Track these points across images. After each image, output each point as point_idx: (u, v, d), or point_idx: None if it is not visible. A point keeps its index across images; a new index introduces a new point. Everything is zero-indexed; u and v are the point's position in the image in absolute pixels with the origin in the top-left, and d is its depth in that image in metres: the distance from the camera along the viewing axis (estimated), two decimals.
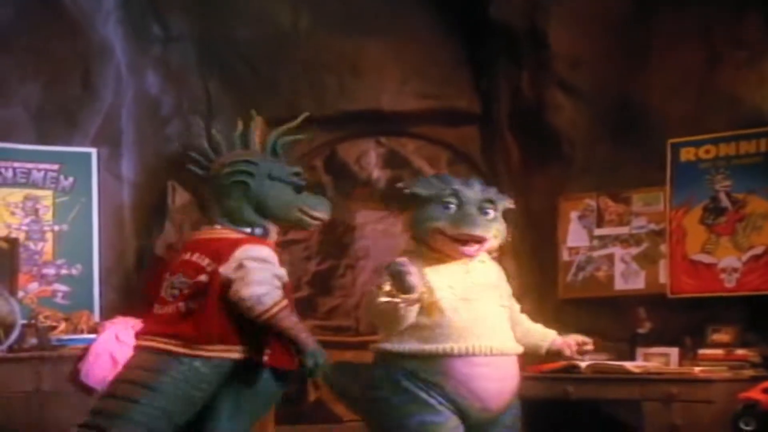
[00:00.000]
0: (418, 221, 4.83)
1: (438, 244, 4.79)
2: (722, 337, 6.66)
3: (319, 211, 5.09)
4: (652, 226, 7.26)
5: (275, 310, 4.65)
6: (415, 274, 4.48)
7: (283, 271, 4.85)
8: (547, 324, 5.18)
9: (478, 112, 8.19)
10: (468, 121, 8.24)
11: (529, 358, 5.22)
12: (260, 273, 4.68)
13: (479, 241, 4.78)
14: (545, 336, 5.07)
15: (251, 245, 4.79)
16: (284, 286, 4.82)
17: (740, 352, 6.47)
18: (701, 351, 6.62)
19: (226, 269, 4.71)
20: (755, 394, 5.86)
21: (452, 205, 4.78)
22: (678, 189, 7.10)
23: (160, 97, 8.15)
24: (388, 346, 4.76)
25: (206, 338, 4.69)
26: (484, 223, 4.78)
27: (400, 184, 5.04)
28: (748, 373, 6.34)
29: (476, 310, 4.74)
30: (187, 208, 8.06)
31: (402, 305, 4.52)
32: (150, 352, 4.79)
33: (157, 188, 8.05)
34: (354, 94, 8.15)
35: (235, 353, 4.72)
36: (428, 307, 4.66)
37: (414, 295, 4.51)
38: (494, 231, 4.84)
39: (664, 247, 7.14)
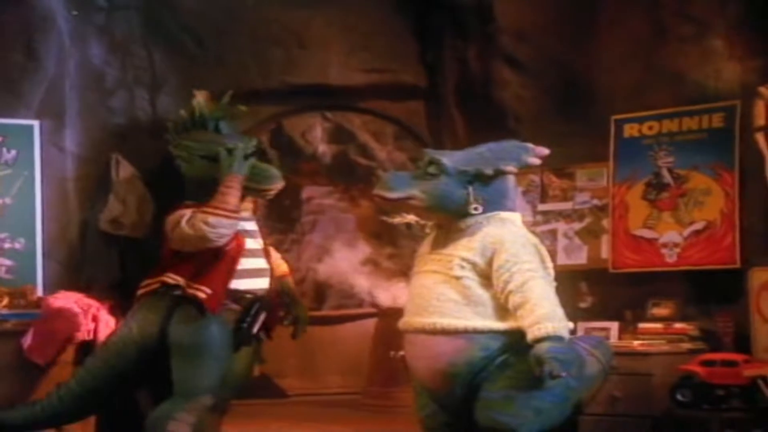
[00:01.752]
0: None
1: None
2: (662, 311, 6.75)
3: (265, 184, 5.20)
4: (595, 202, 7.30)
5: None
6: None
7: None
8: None
9: (425, 86, 8.20)
10: (414, 96, 8.25)
11: None
12: (206, 217, 4.94)
13: (384, 199, 4.78)
14: (527, 333, 4.49)
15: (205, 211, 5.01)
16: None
17: (679, 325, 6.57)
18: (641, 325, 6.70)
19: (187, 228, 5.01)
20: (693, 366, 5.94)
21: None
22: (621, 165, 7.15)
23: (104, 68, 8.07)
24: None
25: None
26: (395, 183, 4.75)
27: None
28: (687, 346, 6.44)
29: (413, 285, 4.73)
30: (131, 181, 8.01)
31: None
32: None
33: (101, 161, 7.99)
34: (300, 67, 8.12)
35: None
36: None
37: None
38: (417, 191, 4.69)
39: (606, 223, 7.19)
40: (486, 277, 4.57)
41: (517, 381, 4.47)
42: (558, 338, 4.37)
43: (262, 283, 5.11)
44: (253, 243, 5.15)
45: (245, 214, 5.16)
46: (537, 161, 4.78)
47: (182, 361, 4.87)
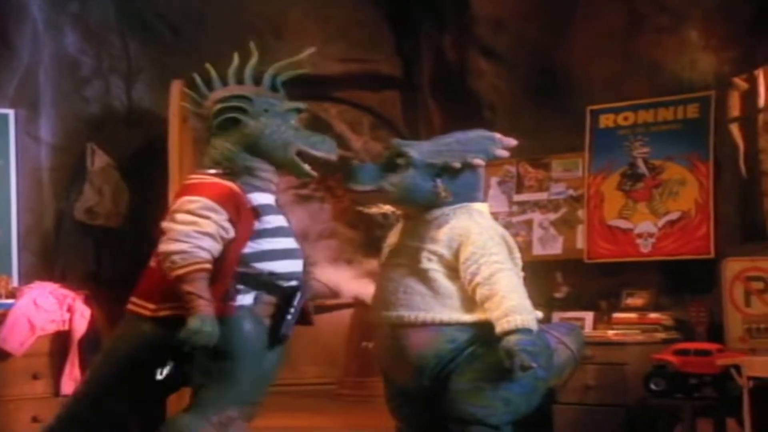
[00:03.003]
0: None
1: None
2: (636, 301, 6.78)
3: (322, 150, 4.52)
4: (571, 192, 7.32)
5: (182, 271, 4.15)
6: None
7: (223, 224, 4.25)
8: None
9: (401, 75, 8.19)
10: (390, 86, 8.25)
11: None
12: (184, 228, 4.21)
13: (351, 190, 4.81)
14: (496, 326, 4.45)
15: (189, 196, 4.32)
16: (230, 242, 4.27)
17: (653, 315, 6.60)
18: (616, 315, 6.73)
19: (164, 222, 4.32)
20: (666, 355, 5.97)
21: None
22: (597, 155, 7.17)
23: (79, 56, 8.03)
24: None
25: (148, 295, 4.36)
26: (362, 174, 4.73)
27: None
28: (661, 335, 6.47)
29: (381, 277, 4.71)
30: (107, 170, 7.98)
31: None
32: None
33: (76, 150, 7.96)
34: (276, 56, 8.08)
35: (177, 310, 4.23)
36: None
37: None
38: (385, 183, 4.65)
39: (581, 213, 7.21)
40: (453, 269, 4.55)
41: (486, 372, 4.47)
42: (527, 330, 4.36)
43: (296, 266, 4.47)
44: (282, 220, 4.50)
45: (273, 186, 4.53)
46: (505, 153, 4.77)
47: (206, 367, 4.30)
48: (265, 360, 4.38)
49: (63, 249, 7.90)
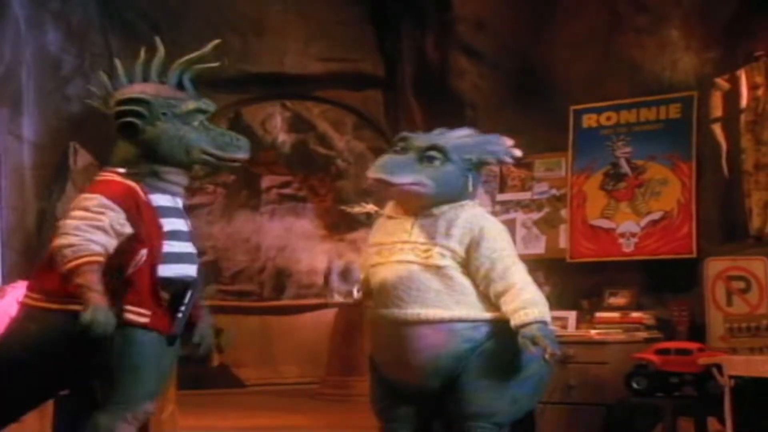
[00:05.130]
0: None
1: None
2: (618, 300, 6.79)
3: (229, 151, 4.33)
4: (554, 192, 7.33)
5: (73, 264, 4.05)
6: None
7: (119, 221, 4.15)
8: None
9: (383, 75, 8.20)
10: (372, 85, 8.25)
11: None
12: (75, 222, 4.11)
13: (389, 184, 4.53)
14: (512, 318, 4.45)
15: (88, 194, 4.22)
16: (130, 238, 4.16)
17: (635, 314, 6.60)
18: (598, 314, 6.73)
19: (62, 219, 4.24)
20: (648, 354, 5.98)
21: (399, 152, 4.63)
22: (579, 155, 7.18)
23: (61, 55, 8.02)
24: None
25: (40, 290, 4.27)
26: (399, 167, 4.52)
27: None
28: (642, 335, 6.47)
29: (383, 276, 4.55)
30: (89, 169, 7.96)
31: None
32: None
33: (59, 149, 7.95)
34: (257, 55, 8.10)
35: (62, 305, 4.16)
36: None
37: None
38: (425, 177, 4.51)
39: (564, 213, 7.22)
40: (465, 266, 4.51)
41: (496, 371, 4.45)
42: (544, 323, 4.37)
43: (188, 270, 4.37)
44: (182, 223, 4.37)
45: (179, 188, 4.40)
46: (511, 161, 4.83)
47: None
48: (167, 355, 4.33)
49: (46, 248, 7.86)
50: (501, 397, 4.45)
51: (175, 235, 4.29)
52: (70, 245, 4.07)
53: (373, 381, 4.79)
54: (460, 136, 4.68)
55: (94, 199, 4.16)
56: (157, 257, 4.21)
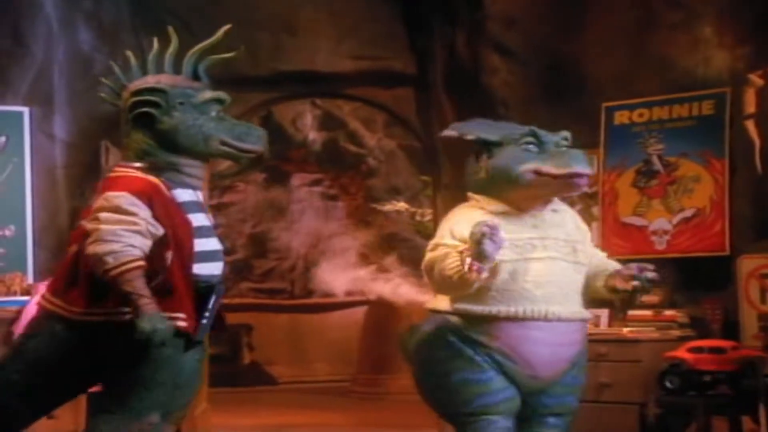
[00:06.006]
0: (497, 168, 4.38)
1: (535, 188, 4.36)
2: (651, 298, 6.74)
3: (247, 143, 4.20)
4: (585, 189, 7.28)
5: (116, 271, 3.89)
6: (498, 242, 4.08)
7: (151, 220, 3.99)
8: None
9: (414, 72, 8.19)
10: (403, 82, 8.24)
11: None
12: (111, 227, 3.93)
13: (584, 176, 4.42)
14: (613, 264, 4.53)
15: (112, 192, 4.01)
16: (162, 239, 4.02)
17: (668, 313, 6.59)
18: (631, 312, 6.70)
19: (87, 220, 4.02)
20: (680, 353, 5.96)
21: (533, 146, 4.39)
22: (611, 152, 7.16)
23: (93, 54, 8.03)
24: (440, 305, 4.44)
25: (72, 297, 4.06)
26: (584, 158, 4.42)
27: (448, 132, 4.56)
28: (675, 333, 6.46)
29: (537, 271, 4.32)
30: None
31: (471, 276, 4.13)
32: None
33: (91, 148, 7.96)
34: (289, 53, 8.10)
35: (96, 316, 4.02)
36: (490, 269, 4.23)
37: (487, 266, 4.12)
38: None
39: (596, 210, 7.19)
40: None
41: (584, 367, 4.52)
42: None
43: (217, 268, 4.22)
44: (205, 218, 4.24)
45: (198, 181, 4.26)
46: None
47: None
48: (184, 364, 4.10)
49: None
50: (580, 390, 4.53)
51: (200, 232, 4.15)
52: (112, 252, 3.90)
53: (491, 371, 4.40)
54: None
55: (122, 197, 3.98)
56: (188, 257, 4.06)
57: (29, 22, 7.76)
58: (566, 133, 4.51)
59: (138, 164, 4.12)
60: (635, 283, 4.34)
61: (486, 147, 4.45)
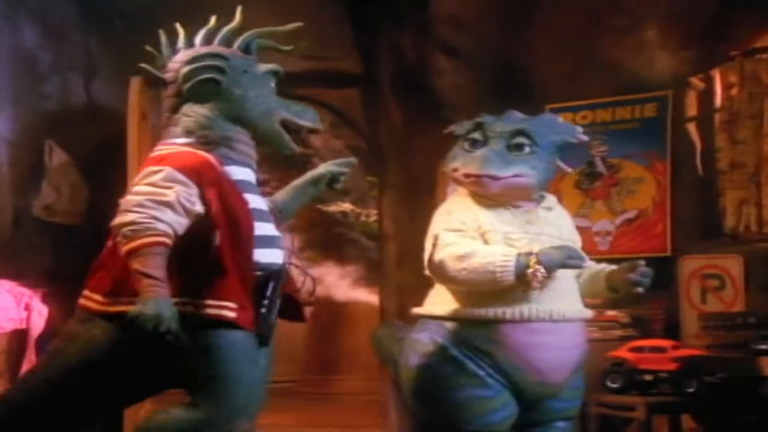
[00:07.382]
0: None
1: (465, 187, 4.19)
2: (593, 300, 6.80)
3: (305, 119, 3.86)
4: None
5: (132, 245, 3.43)
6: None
7: (189, 197, 3.53)
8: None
9: (361, 73, 8.19)
10: (351, 83, 8.24)
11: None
12: (138, 198, 3.50)
13: (495, 178, 4.08)
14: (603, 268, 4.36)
15: (151, 165, 3.61)
16: (207, 218, 3.55)
17: (610, 313, 6.60)
18: None
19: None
20: (622, 353, 6.01)
21: (478, 142, 4.19)
22: None
23: (38, 52, 7.98)
24: (434, 309, 4.18)
25: (98, 286, 3.65)
26: (500, 159, 4.11)
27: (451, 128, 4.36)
28: (617, 333, 6.51)
29: None
30: (65, 167, 7.94)
31: (533, 283, 3.93)
32: None
33: (34, 147, 7.90)
34: None
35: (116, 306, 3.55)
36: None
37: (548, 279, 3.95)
38: (526, 167, 4.12)
39: None
40: None
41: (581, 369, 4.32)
42: None
43: (277, 256, 3.75)
44: (262, 201, 3.81)
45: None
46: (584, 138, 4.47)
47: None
48: (260, 360, 3.68)
49: (20, 246, 7.84)
50: (582, 393, 4.37)
51: (259, 215, 3.70)
52: (132, 223, 3.44)
53: (510, 378, 4.16)
54: (529, 119, 4.35)
55: (161, 172, 3.54)
56: (247, 240, 3.59)
57: None
58: (524, 126, 4.21)
59: (184, 140, 3.71)
60: (639, 289, 4.24)
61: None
